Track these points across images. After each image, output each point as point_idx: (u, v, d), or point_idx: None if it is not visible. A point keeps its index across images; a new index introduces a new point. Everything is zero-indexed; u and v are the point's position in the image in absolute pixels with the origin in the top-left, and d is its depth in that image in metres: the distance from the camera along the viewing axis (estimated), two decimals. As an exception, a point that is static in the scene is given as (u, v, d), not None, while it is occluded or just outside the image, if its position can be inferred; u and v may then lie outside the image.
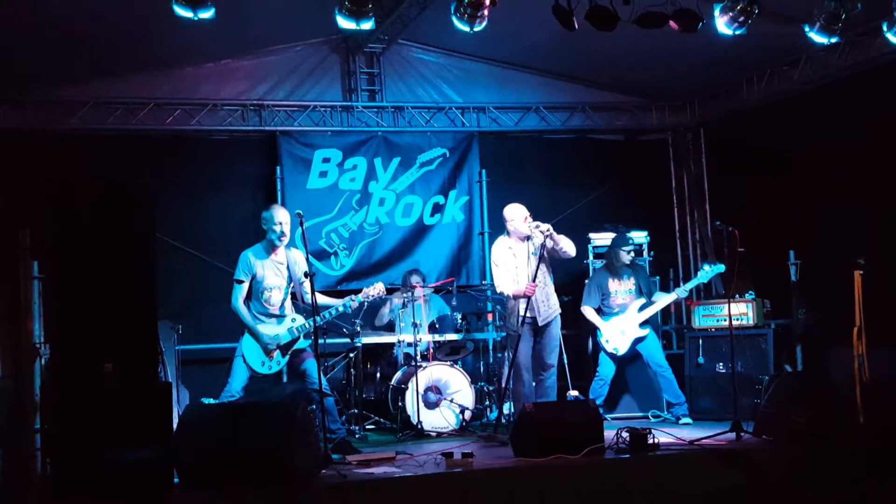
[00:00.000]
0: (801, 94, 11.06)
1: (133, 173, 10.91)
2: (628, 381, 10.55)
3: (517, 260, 9.06)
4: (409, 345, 9.91)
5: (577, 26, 8.09)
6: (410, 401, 9.42)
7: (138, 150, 11.15)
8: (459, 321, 10.36)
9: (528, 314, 8.85)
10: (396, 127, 12.12)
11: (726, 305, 9.42)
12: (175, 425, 6.77)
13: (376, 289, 8.80)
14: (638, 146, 13.21)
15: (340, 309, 8.62)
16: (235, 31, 10.20)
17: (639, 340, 10.06)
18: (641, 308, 10.11)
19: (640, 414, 10.40)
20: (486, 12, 8.46)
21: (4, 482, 6.25)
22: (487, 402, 10.30)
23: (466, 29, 8.60)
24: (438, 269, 12.03)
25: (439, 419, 9.47)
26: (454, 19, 8.59)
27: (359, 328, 9.87)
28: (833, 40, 9.08)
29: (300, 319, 8.53)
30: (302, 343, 8.48)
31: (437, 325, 10.36)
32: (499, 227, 9.66)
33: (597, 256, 11.33)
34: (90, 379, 6.34)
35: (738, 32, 8.71)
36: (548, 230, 8.79)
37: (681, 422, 9.72)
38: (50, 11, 8.84)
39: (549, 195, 11.94)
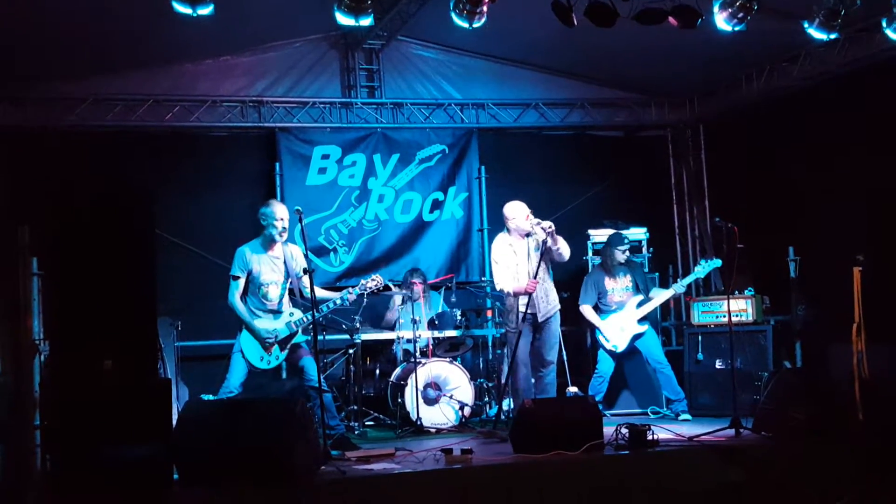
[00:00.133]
0: (800, 91, 11.05)
1: (132, 170, 10.92)
2: (627, 377, 10.55)
3: (517, 257, 9.05)
4: (409, 341, 9.90)
5: (576, 22, 8.09)
6: (410, 397, 9.42)
7: (137, 147, 11.15)
8: (459, 318, 10.36)
9: (528, 310, 8.84)
10: (395, 123, 12.12)
11: (725, 302, 9.41)
12: (174, 422, 6.77)
13: (374, 281, 8.79)
14: (637, 142, 13.21)
15: (339, 302, 8.62)
16: (234, 27, 10.20)
17: (637, 337, 10.07)
18: (639, 304, 10.12)
19: (640, 410, 10.41)
20: (485, 8, 8.46)
21: (4, 479, 6.25)
22: (487, 399, 10.30)
23: (465, 25, 8.59)
24: (438, 265, 12.03)
25: (439, 415, 9.48)
26: (453, 15, 8.59)
27: (358, 324, 9.87)
28: (832, 37, 9.07)
29: (298, 314, 8.53)
30: (300, 337, 8.48)
31: (436, 322, 10.36)
32: (498, 223, 9.66)
33: (596, 253, 11.32)
34: (90, 376, 6.33)
35: (737, 28, 8.70)
36: (550, 227, 8.76)
37: (680, 418, 9.73)
38: (49, 8, 8.85)
39: (548, 192, 11.94)
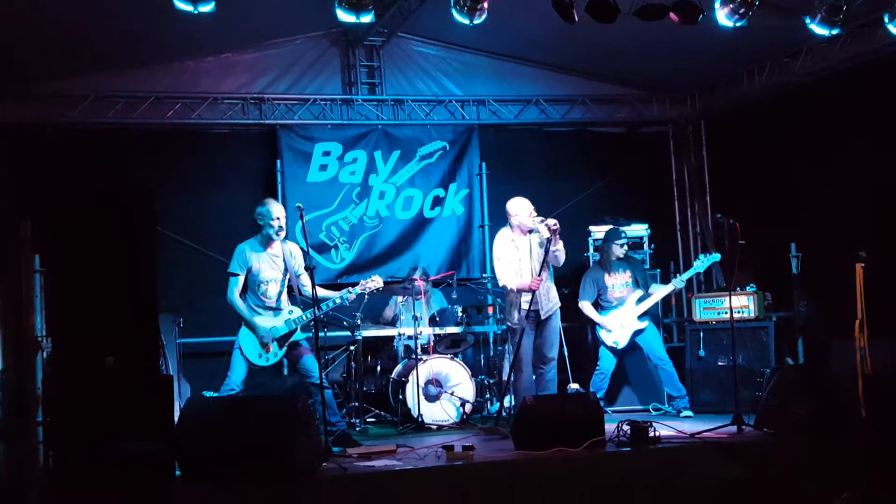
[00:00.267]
0: (801, 87, 11.04)
1: (133, 167, 10.94)
2: (629, 374, 10.56)
3: (520, 253, 9.02)
4: (410, 338, 9.91)
5: (577, 18, 8.09)
6: (411, 394, 9.42)
7: (139, 144, 11.17)
8: (460, 314, 10.36)
9: (531, 307, 8.82)
10: (396, 120, 12.11)
11: (727, 298, 9.41)
12: (176, 418, 6.77)
13: (373, 282, 8.78)
14: (638, 139, 13.21)
15: (338, 301, 8.60)
16: (235, 24, 10.20)
17: (638, 332, 10.07)
18: (639, 300, 10.12)
19: (641, 407, 10.42)
20: (485, 5, 8.45)
21: (7, 475, 6.25)
22: (488, 395, 10.30)
23: (466, 21, 8.59)
24: (439, 262, 12.03)
25: (440, 412, 9.48)
26: (454, 12, 8.58)
27: (359, 321, 9.87)
28: (834, 32, 9.06)
29: (297, 311, 8.52)
30: (299, 335, 8.48)
31: (437, 319, 10.36)
32: (499, 220, 9.65)
33: (597, 249, 11.30)
34: (92, 372, 6.35)
35: (738, 24, 8.68)
36: (555, 225, 8.74)
37: (682, 415, 9.73)
38: (51, 6, 8.85)
39: (549, 188, 11.92)
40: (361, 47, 11.92)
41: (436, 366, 9.63)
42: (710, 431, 7.88)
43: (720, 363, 10.25)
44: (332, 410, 8.27)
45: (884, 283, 8.33)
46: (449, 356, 9.85)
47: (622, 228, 10.66)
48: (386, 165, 11.99)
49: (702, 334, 10.50)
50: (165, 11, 8.09)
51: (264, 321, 8.40)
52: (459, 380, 9.62)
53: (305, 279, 8.40)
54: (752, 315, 10.27)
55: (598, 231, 11.39)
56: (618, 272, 10.24)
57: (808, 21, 8.94)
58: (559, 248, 8.87)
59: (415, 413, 9.36)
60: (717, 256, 10.14)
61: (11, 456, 6.28)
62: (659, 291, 10.21)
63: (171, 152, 11.34)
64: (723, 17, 8.66)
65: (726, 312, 9.79)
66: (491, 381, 10.34)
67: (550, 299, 9.04)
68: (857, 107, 10.26)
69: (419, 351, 9.66)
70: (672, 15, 8.27)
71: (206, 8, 7.99)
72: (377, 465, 6.96)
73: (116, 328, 6.48)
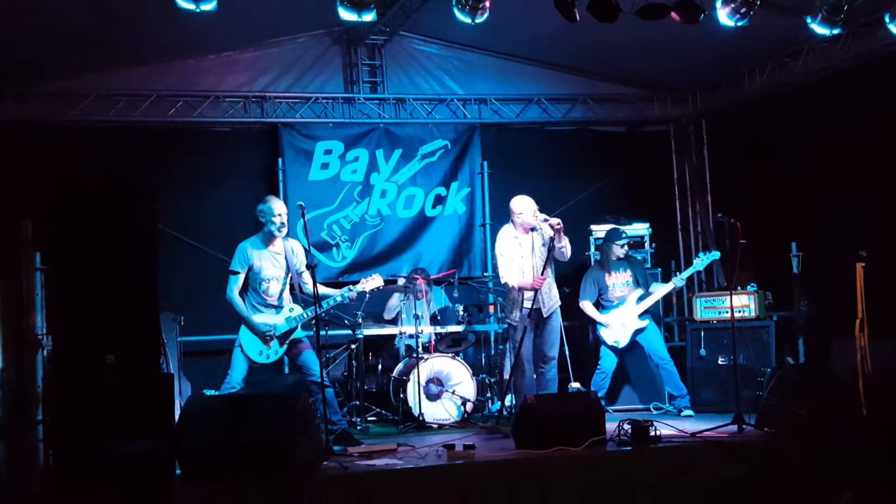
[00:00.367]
0: (802, 86, 11.03)
1: (135, 165, 10.94)
2: (630, 373, 10.56)
3: (522, 250, 9.02)
4: (411, 336, 9.91)
5: (578, 18, 8.09)
6: (412, 392, 9.43)
7: (140, 143, 11.17)
8: (461, 313, 10.36)
9: (533, 305, 8.82)
10: (398, 119, 12.11)
11: (728, 297, 9.39)
12: (177, 417, 6.78)
13: (374, 280, 8.78)
14: (640, 138, 13.20)
15: (339, 299, 8.60)
16: (237, 23, 10.20)
17: (639, 331, 10.07)
18: (640, 299, 10.12)
19: (642, 406, 10.42)
20: (487, 4, 8.47)
21: (7, 474, 6.25)
22: (489, 394, 10.31)
23: (468, 20, 8.60)
24: (440, 260, 12.03)
25: (441, 411, 9.48)
26: (456, 11, 8.59)
27: (360, 320, 9.87)
28: (835, 32, 9.05)
29: (298, 309, 8.52)
30: (300, 333, 8.48)
31: (438, 317, 10.36)
32: (500, 218, 9.65)
33: (597, 249, 11.30)
34: (92, 371, 6.35)
35: (739, 24, 8.68)
36: (558, 224, 8.74)
37: (682, 414, 9.73)
38: (53, 5, 8.85)
39: (550, 187, 11.90)
40: (363, 46, 11.91)
41: (437, 364, 9.63)
42: (710, 431, 7.88)
43: (721, 362, 10.26)
44: (333, 409, 8.26)
45: (884, 282, 8.33)
46: (450, 355, 9.86)
47: (623, 228, 10.67)
48: (387, 164, 11.99)
49: (703, 333, 10.50)
50: (167, 10, 8.10)
51: (265, 319, 8.40)
52: (460, 378, 9.62)
53: (307, 277, 8.40)
54: (753, 314, 10.26)
55: (600, 230, 11.39)
56: (618, 272, 10.24)
57: (809, 21, 8.93)
58: (565, 245, 8.88)
59: (416, 412, 9.37)
60: (716, 254, 10.16)
61: (11, 455, 6.28)
62: (659, 290, 10.21)
63: (172, 151, 11.34)
64: (724, 16, 8.66)
65: (727, 312, 9.78)
66: (492, 380, 10.35)
67: (552, 297, 9.05)
68: (858, 106, 10.26)
69: (420, 350, 9.67)
70: (673, 14, 8.26)
71: (208, 6, 8.00)
72: (378, 463, 6.97)
73: (117, 327, 6.49)
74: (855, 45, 10.15)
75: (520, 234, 9.07)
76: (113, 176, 9.71)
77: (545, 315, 8.96)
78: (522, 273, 8.97)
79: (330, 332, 9.98)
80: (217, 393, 8.36)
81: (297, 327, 8.46)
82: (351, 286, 8.72)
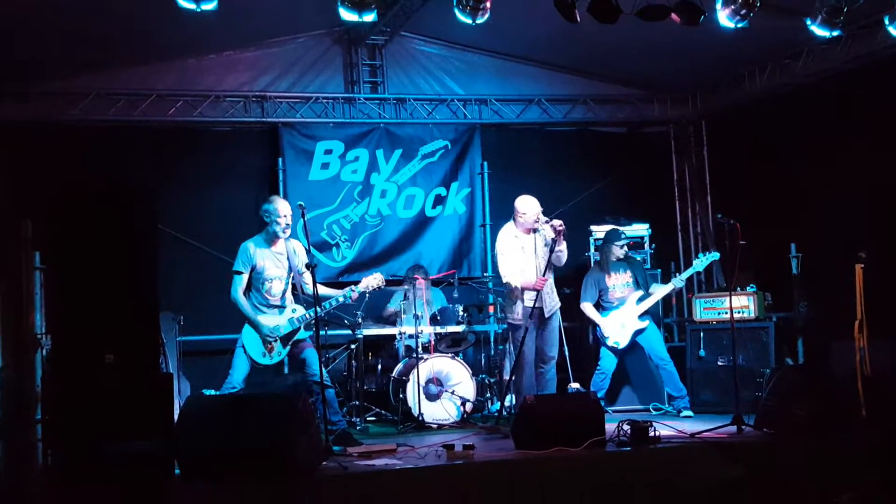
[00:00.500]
0: (802, 88, 11.04)
1: (135, 165, 10.95)
2: (629, 373, 10.56)
3: (524, 250, 9.02)
4: (411, 336, 9.91)
5: (579, 19, 8.09)
6: (412, 393, 9.43)
7: (140, 142, 11.17)
8: (461, 313, 10.36)
9: (535, 305, 8.81)
10: (398, 119, 12.12)
11: (728, 298, 9.40)
12: (176, 417, 6.77)
13: (375, 279, 8.78)
14: (640, 139, 13.20)
15: (340, 300, 8.59)
16: (238, 22, 10.20)
17: (639, 332, 10.07)
18: (640, 300, 10.12)
19: (642, 407, 10.42)
20: (487, 4, 8.46)
21: (6, 474, 6.25)
22: (488, 395, 10.31)
23: (468, 21, 8.60)
24: (440, 261, 12.03)
25: (440, 411, 9.49)
26: (456, 11, 8.58)
27: (360, 320, 9.87)
28: (835, 33, 9.06)
29: (300, 310, 8.52)
30: (302, 334, 8.48)
31: (438, 317, 10.36)
32: (500, 219, 9.65)
33: (597, 250, 11.30)
34: (91, 370, 6.35)
35: (739, 25, 8.68)
36: (560, 226, 8.73)
37: (682, 414, 9.73)
38: (53, 4, 8.84)
39: (550, 187, 11.86)
40: (364, 46, 11.92)
41: (436, 365, 9.64)
42: (710, 431, 7.88)
43: (720, 363, 10.25)
44: (332, 409, 8.26)
45: (884, 283, 8.33)
46: (450, 355, 9.86)
47: (622, 228, 10.67)
48: (388, 164, 11.99)
49: (702, 334, 10.50)
50: (167, 9, 8.10)
51: (268, 319, 8.40)
52: (460, 379, 9.63)
53: (307, 277, 8.40)
54: (753, 315, 10.27)
55: (600, 231, 11.38)
56: (618, 273, 10.24)
57: (808, 22, 8.94)
58: (562, 250, 8.88)
59: (415, 412, 9.37)
60: (716, 255, 10.15)
61: (10, 454, 6.28)
62: (659, 291, 10.21)
63: (172, 150, 11.34)
64: (724, 18, 8.66)
65: (726, 312, 9.79)
66: (492, 381, 10.35)
67: (553, 297, 9.06)
68: (858, 108, 10.27)
69: (420, 350, 9.67)
70: (674, 16, 8.26)
71: (208, 6, 8.00)
72: (377, 463, 6.97)
73: (116, 326, 6.49)
74: (855, 46, 10.16)
75: (520, 234, 9.07)
76: (113, 176, 9.72)
77: (546, 315, 8.97)
78: (523, 272, 8.96)
79: (330, 332, 9.98)
80: (217, 393, 8.36)
81: (300, 328, 8.45)
82: (353, 286, 8.72)
